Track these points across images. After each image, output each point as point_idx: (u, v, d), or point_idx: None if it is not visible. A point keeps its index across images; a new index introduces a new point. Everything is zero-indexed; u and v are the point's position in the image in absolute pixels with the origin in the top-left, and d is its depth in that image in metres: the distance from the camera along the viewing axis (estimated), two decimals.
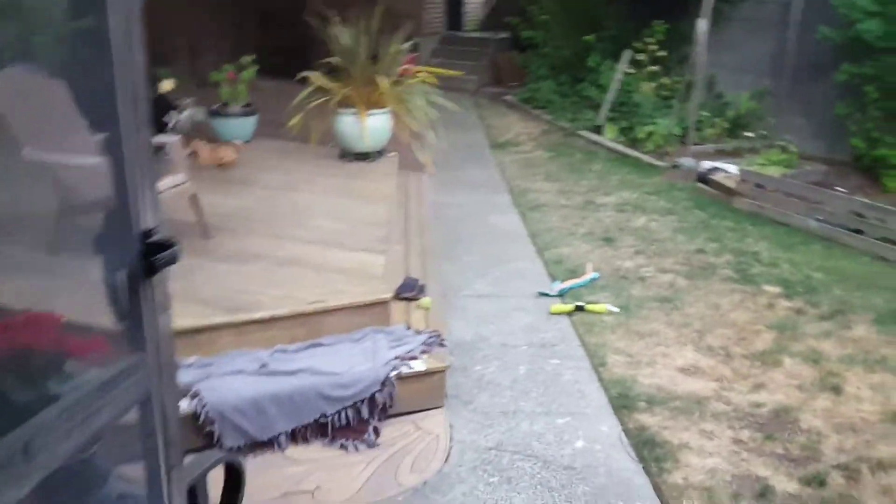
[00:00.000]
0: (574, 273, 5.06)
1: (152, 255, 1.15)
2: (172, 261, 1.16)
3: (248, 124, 6.69)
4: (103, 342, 1.21)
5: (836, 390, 3.66)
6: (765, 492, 2.92)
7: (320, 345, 3.53)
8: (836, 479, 2.99)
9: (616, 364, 3.92)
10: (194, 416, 3.04)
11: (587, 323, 4.38)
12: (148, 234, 1.17)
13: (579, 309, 4.52)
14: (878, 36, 7.00)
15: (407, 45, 6.26)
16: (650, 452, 3.16)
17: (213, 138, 6.18)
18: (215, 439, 3.05)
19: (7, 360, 1.06)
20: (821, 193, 6.42)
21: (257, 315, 3.48)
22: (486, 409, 3.49)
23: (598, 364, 3.92)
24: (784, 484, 2.97)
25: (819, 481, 2.98)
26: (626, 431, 3.33)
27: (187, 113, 6.64)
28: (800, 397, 3.61)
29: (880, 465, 3.08)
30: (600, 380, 3.78)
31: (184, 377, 3.20)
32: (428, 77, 6.36)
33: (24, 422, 0.90)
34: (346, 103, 6.07)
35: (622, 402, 3.56)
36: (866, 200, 6.34)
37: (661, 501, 2.86)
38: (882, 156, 7.20)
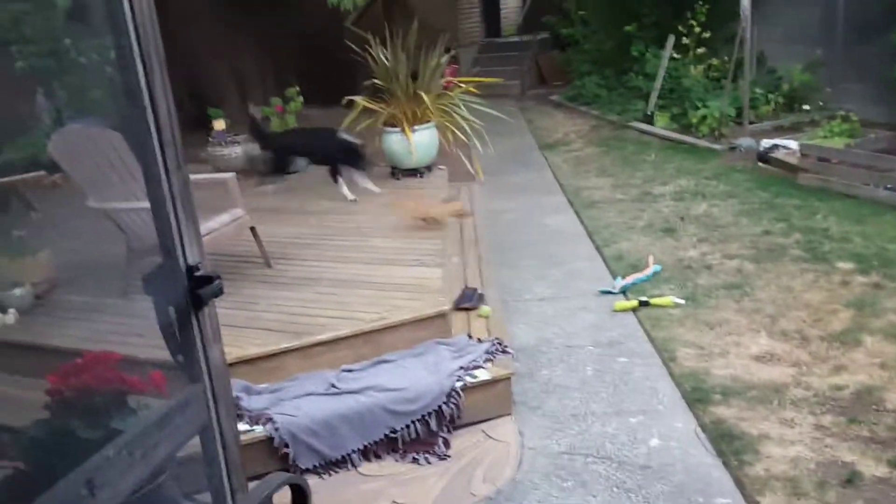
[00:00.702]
0: (635, 268, 4.96)
1: (199, 289, 1.19)
2: (218, 293, 1.20)
3: None
4: (160, 377, 1.26)
5: None
6: (852, 477, 2.78)
7: (385, 361, 3.56)
8: None
9: (687, 357, 3.82)
10: (269, 440, 3.12)
11: (653, 318, 4.29)
12: (194, 268, 1.21)
13: (643, 304, 4.43)
14: None
15: (446, 58, 6.30)
16: (728, 445, 3.06)
17: (417, 191, 6.08)
18: (290, 461, 3.11)
19: (71, 399, 1.12)
20: (888, 161, 6.12)
21: (321, 337, 3.54)
22: (556, 413, 3.45)
23: (668, 359, 3.83)
24: (872, 468, 2.83)
25: None
26: (702, 426, 3.23)
27: (241, 149, 6.85)
28: (884, 376, 3.44)
29: None
30: (671, 375, 3.69)
31: (256, 404, 3.29)
32: (469, 87, 6.39)
33: (87, 458, 0.94)
34: (391, 122, 6.15)
35: (696, 395, 3.46)
36: None
37: (744, 495, 2.76)
38: None
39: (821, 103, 8.50)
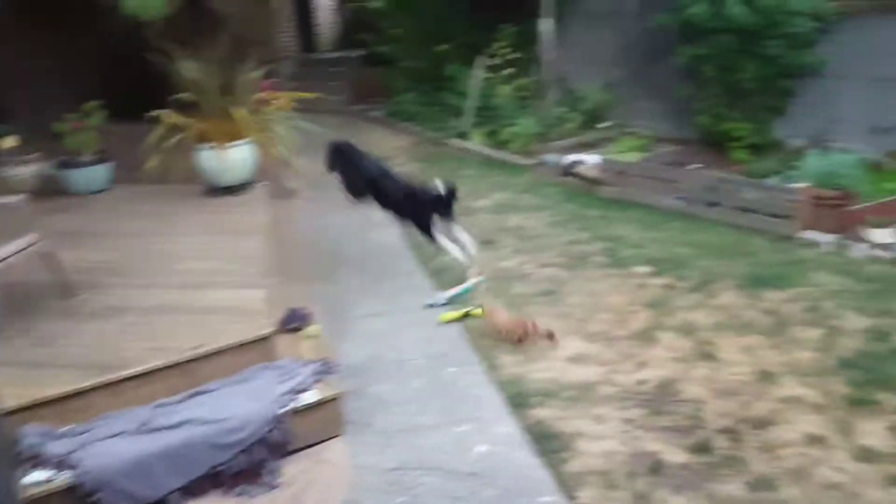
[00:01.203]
0: (459, 280, 5.11)
1: None
2: None
3: (99, 173, 6.35)
4: None
5: (712, 357, 3.89)
6: (657, 467, 3.05)
7: (204, 392, 3.37)
8: (721, 444, 3.18)
9: (508, 364, 3.99)
10: (76, 487, 2.84)
11: (477, 327, 4.44)
12: None
13: (468, 315, 4.57)
14: (705, 18, 7.53)
15: (260, 72, 6.13)
16: (548, 445, 3.23)
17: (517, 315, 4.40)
18: None
19: None
20: (676, 172, 6.83)
21: (130, 371, 3.28)
22: (387, 429, 3.46)
23: (491, 366, 3.98)
24: (674, 455, 3.12)
25: (705, 448, 3.15)
26: (525, 428, 3.39)
27: (33, 168, 6.22)
28: (679, 369, 3.81)
29: (758, 424, 3.29)
30: (495, 382, 3.83)
31: (58, 448, 2.98)
32: (286, 102, 6.26)
33: None
34: (204, 138, 5.87)
35: (517, 400, 3.62)
36: (718, 174, 6.81)
37: (563, 492, 2.93)
38: (726, 130, 7.74)
39: (617, 121, 9.28)
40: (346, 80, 13.42)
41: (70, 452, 2.95)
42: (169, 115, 5.79)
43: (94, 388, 3.21)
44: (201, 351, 3.43)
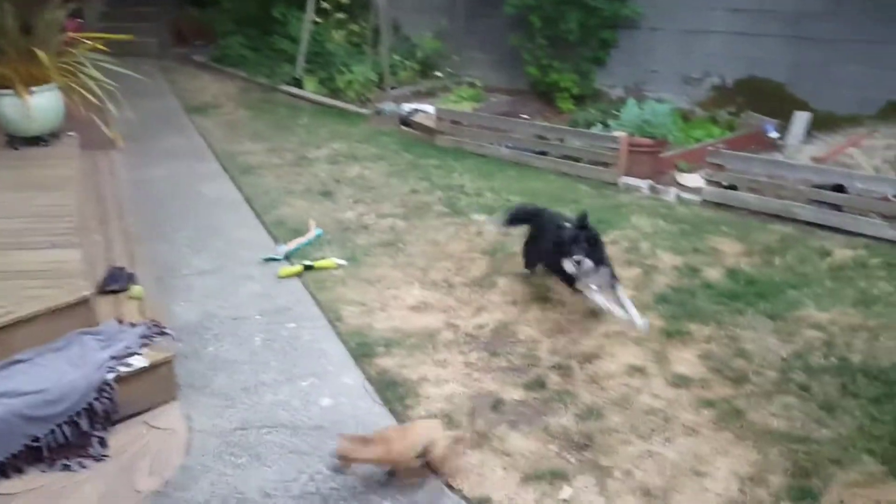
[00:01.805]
0: (298, 233, 4.98)
1: None
2: None
3: None
4: None
5: (545, 299, 4.10)
6: (496, 404, 3.20)
7: (18, 362, 3.06)
8: (553, 379, 3.38)
9: (351, 315, 3.97)
10: None
11: (318, 280, 4.36)
12: None
13: (308, 268, 4.48)
14: None
15: (64, 12, 5.51)
16: (393, 393, 3.27)
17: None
18: None
19: None
20: (508, 122, 7.04)
21: None
22: (225, 390, 3.34)
23: (334, 319, 3.94)
24: (512, 393, 3.28)
25: (540, 384, 3.33)
26: (369, 378, 3.41)
27: None
28: (515, 312, 3.98)
29: (585, 358, 3.53)
30: (338, 334, 3.81)
31: None
32: (97, 44, 5.68)
33: None
34: (2, 83, 5.21)
35: (362, 350, 3.63)
36: (546, 124, 7.10)
37: None
38: (554, 81, 8.06)
39: (450, 70, 9.36)
40: (165, 21, 12.40)
41: None
42: None
43: None
44: (11, 318, 3.09)
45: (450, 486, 2.72)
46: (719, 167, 5.55)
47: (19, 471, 2.80)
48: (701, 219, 5.22)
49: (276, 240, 4.93)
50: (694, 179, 5.84)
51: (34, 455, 2.83)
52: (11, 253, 3.73)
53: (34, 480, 2.78)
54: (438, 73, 9.40)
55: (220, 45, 10.94)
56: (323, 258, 4.59)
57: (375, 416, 3.14)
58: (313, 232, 4.97)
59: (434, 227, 5.15)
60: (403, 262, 4.59)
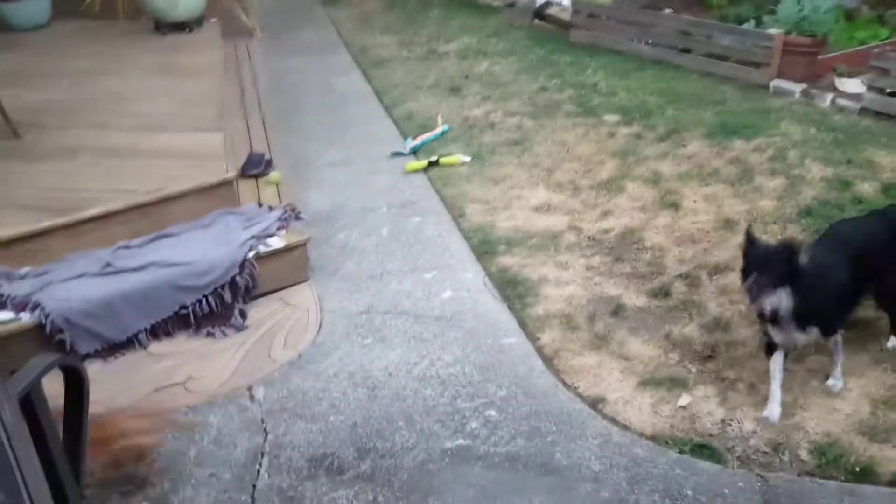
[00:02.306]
0: (425, 128, 4.99)
1: None
2: None
3: (40, 6, 5.85)
4: None
5: (675, 206, 3.92)
6: (617, 309, 3.15)
7: (168, 235, 3.32)
8: (679, 288, 3.27)
9: (475, 213, 3.99)
10: (41, 327, 2.83)
11: (443, 176, 4.39)
12: None
13: (433, 164, 4.50)
14: None
15: None
16: (513, 291, 3.29)
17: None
18: (68, 347, 2.86)
19: None
20: (650, 16, 6.58)
21: (90, 213, 3.19)
22: (354, 276, 3.48)
23: (457, 215, 3.97)
24: (634, 299, 3.21)
25: (664, 292, 3.24)
26: (490, 275, 3.44)
27: None
28: (643, 218, 3.85)
29: (716, 269, 3.38)
30: (461, 230, 3.84)
31: (18, 289, 2.94)
32: None
33: None
34: None
35: (483, 248, 3.65)
36: (692, 18, 6.58)
37: (526, 333, 3.02)
38: None
39: None
40: None
41: (31, 293, 2.91)
42: None
43: (51, 230, 3.13)
44: (162, 194, 3.33)
45: (565, 383, 2.74)
46: (884, 72, 4.97)
47: (169, 334, 3.08)
48: (858, 128, 4.75)
49: (404, 135, 4.96)
50: (854, 85, 5.29)
51: (183, 321, 3.10)
52: (160, 134, 3.98)
53: (182, 344, 3.06)
54: None
55: None
56: (449, 154, 4.59)
57: (495, 313, 3.18)
58: (440, 128, 4.96)
59: (563, 126, 4.99)
60: (529, 162, 4.52)
